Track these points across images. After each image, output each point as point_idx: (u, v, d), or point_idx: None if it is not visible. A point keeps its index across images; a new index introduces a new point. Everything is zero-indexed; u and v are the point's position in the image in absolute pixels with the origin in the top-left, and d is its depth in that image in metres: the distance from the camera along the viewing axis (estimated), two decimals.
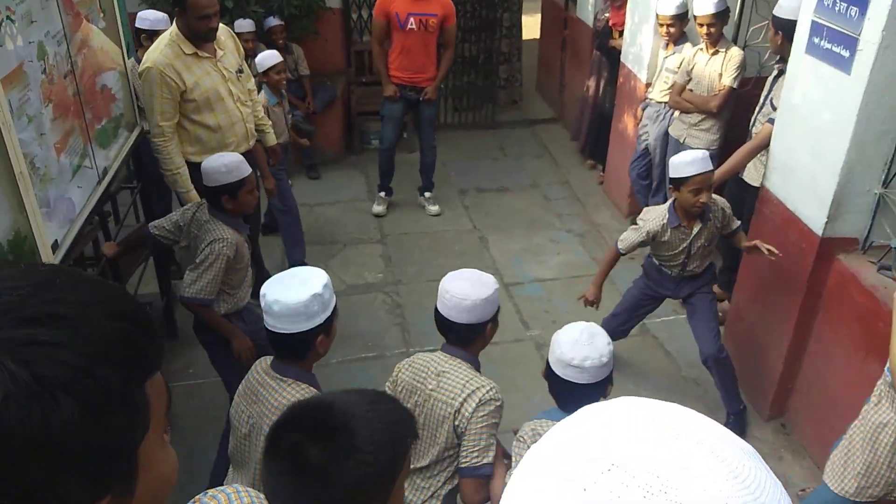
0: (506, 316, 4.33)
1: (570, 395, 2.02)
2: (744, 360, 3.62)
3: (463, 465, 2.12)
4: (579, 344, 1.99)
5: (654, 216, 3.26)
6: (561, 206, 5.62)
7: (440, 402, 2.13)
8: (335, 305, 2.10)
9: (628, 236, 3.30)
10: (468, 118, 7.04)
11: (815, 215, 3.04)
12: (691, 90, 4.25)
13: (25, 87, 2.33)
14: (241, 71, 3.51)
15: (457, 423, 2.11)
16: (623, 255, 3.38)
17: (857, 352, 2.91)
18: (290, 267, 4.58)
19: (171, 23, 3.47)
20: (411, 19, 4.84)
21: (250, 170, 2.91)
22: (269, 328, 2.02)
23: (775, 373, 3.39)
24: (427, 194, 5.55)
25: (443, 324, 2.21)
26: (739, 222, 3.36)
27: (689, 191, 3.04)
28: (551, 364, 2.05)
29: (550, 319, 4.28)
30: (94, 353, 0.51)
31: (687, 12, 4.31)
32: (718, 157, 4.30)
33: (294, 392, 2.00)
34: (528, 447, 1.97)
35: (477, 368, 2.22)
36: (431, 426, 2.17)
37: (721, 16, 4.01)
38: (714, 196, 3.19)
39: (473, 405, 2.08)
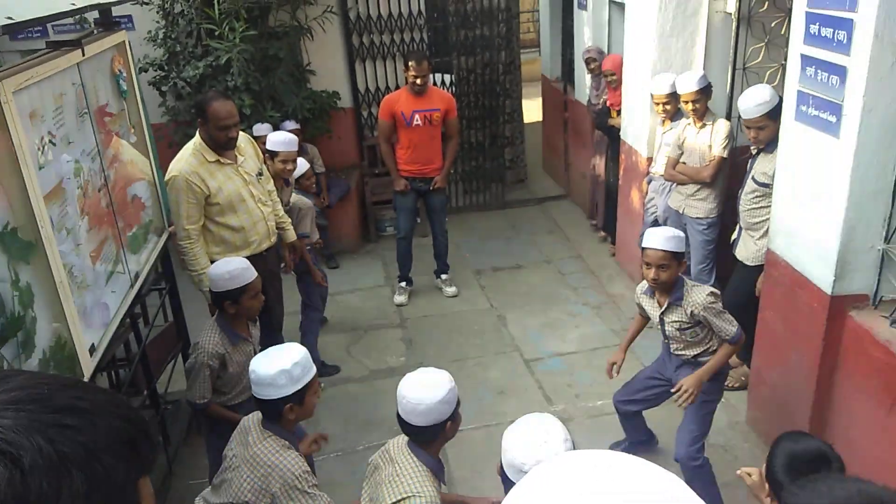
0: (528, 392, 4.39)
1: None
2: (770, 423, 3.60)
3: None
4: (531, 445, 1.85)
5: (639, 287, 3.31)
6: (576, 280, 5.71)
7: (385, 491, 2.21)
8: (310, 381, 2.38)
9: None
10: (479, 200, 7.25)
11: (822, 275, 3.11)
12: (684, 163, 4.41)
13: (64, 202, 2.52)
14: (260, 174, 3.72)
15: None
16: (642, 315, 3.39)
17: (879, 407, 2.91)
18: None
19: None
20: (416, 116, 5.11)
21: (255, 276, 3.06)
22: (253, 392, 2.38)
23: None
24: (443, 276, 5.68)
25: (403, 426, 2.27)
26: (734, 335, 3.07)
27: (643, 262, 3.06)
28: (503, 467, 1.89)
29: (573, 393, 4.30)
30: (106, 443, 0.60)
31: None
32: (718, 224, 4.43)
33: (270, 446, 2.32)
34: None
35: (435, 470, 2.26)
36: None
37: (704, 91, 4.21)
38: (695, 294, 3.04)
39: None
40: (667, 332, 3.21)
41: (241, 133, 3.65)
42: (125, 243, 3.08)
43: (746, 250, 3.94)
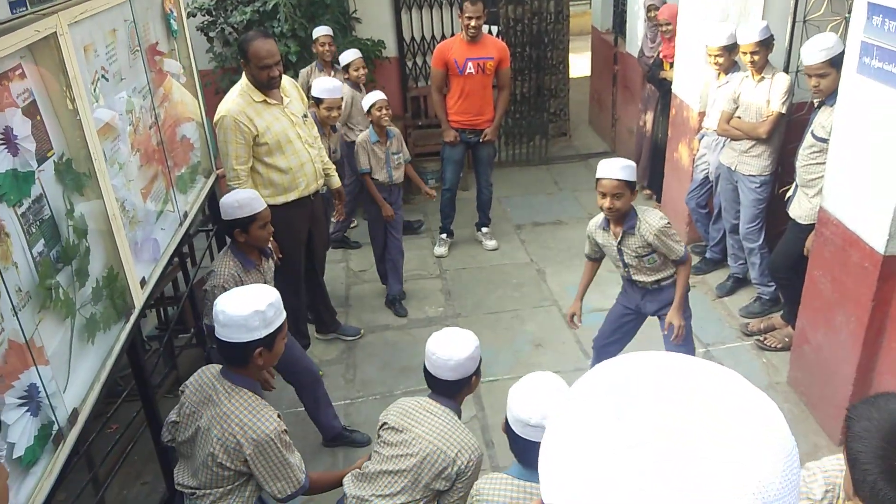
0: (566, 345, 4.40)
1: (532, 454, 1.85)
2: (812, 384, 3.55)
3: None
4: (536, 400, 1.88)
5: (592, 222, 3.38)
6: None
7: (435, 447, 2.25)
8: (281, 325, 2.27)
9: (586, 243, 3.48)
10: (521, 154, 7.17)
11: (875, 234, 3.01)
12: (739, 117, 4.27)
13: (116, 137, 2.57)
14: (305, 116, 3.74)
15: (448, 472, 2.23)
16: (590, 258, 3.53)
17: None
18: (386, 297, 4.82)
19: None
20: (469, 64, 5.03)
21: (263, 206, 3.12)
22: (217, 335, 2.21)
23: (845, 396, 3.31)
24: (484, 230, 5.67)
25: (430, 380, 2.37)
26: (682, 254, 3.19)
27: (598, 192, 3.11)
28: (509, 422, 1.93)
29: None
30: None
31: (735, 42, 4.35)
32: (772, 182, 4.30)
33: (243, 400, 2.21)
34: None
35: (459, 416, 2.38)
36: (416, 466, 2.26)
37: (765, 43, 4.04)
38: (649, 218, 3.12)
39: (465, 461, 2.23)
40: (626, 262, 3.28)
41: (285, 77, 3.67)
42: (174, 182, 3.14)
43: (800, 208, 3.82)
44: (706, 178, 4.78)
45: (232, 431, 2.15)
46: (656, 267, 3.25)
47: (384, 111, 4.48)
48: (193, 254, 3.94)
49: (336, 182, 4.12)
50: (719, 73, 4.55)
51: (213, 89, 5.64)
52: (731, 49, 4.35)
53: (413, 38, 6.54)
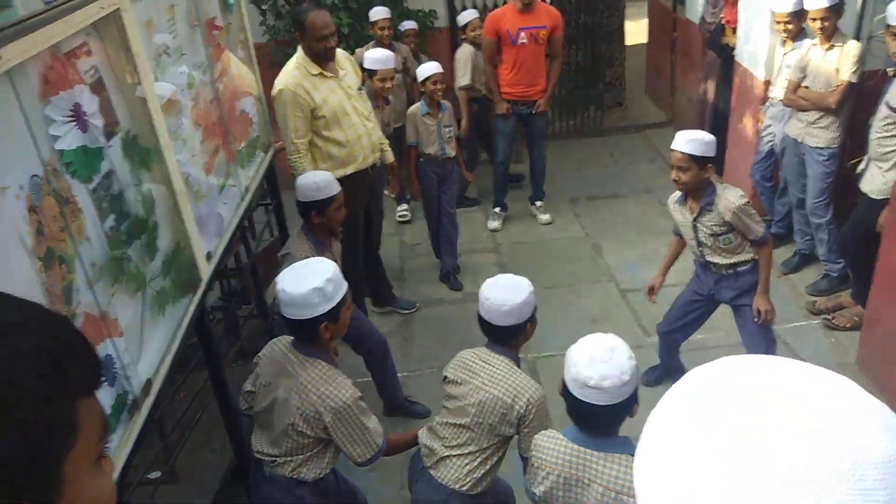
0: (624, 322, 4.32)
1: (589, 417, 1.88)
2: (881, 364, 3.41)
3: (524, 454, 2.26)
4: (596, 361, 1.83)
5: (673, 195, 3.26)
6: None
7: (491, 395, 2.27)
8: (343, 297, 2.28)
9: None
10: (575, 125, 7.03)
11: None
12: (807, 87, 4.08)
13: (178, 112, 2.59)
14: (360, 89, 3.72)
15: (509, 417, 2.26)
16: (674, 233, 3.41)
17: None
18: (441, 271, 4.83)
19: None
20: (522, 34, 4.92)
21: (339, 189, 3.15)
22: (282, 313, 2.25)
23: None
24: (538, 203, 5.60)
25: (485, 327, 2.37)
26: (762, 234, 3.07)
27: (671, 165, 3.04)
28: (567, 383, 1.90)
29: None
30: (19, 364, 0.55)
31: (803, 8, 4.14)
32: (840, 154, 4.11)
33: (319, 371, 2.25)
34: (540, 455, 1.97)
35: (517, 364, 2.38)
36: (475, 416, 2.29)
37: (835, 9, 3.83)
38: (728, 195, 3.00)
39: (524, 404, 2.23)
40: (700, 240, 3.16)
41: (339, 50, 3.65)
42: (235, 157, 3.16)
43: (872, 183, 3.65)
44: (771, 150, 4.61)
45: (311, 401, 2.21)
46: (732, 248, 3.12)
47: (438, 85, 4.43)
48: (253, 227, 3.99)
49: (390, 156, 4.10)
50: (786, 41, 4.35)
51: (267, 63, 5.66)
52: (799, 15, 4.14)
53: (465, 7, 6.44)
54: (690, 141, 2.96)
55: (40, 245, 1.67)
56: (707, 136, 3.00)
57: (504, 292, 2.31)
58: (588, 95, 6.94)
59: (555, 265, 4.99)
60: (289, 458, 2.31)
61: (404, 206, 5.65)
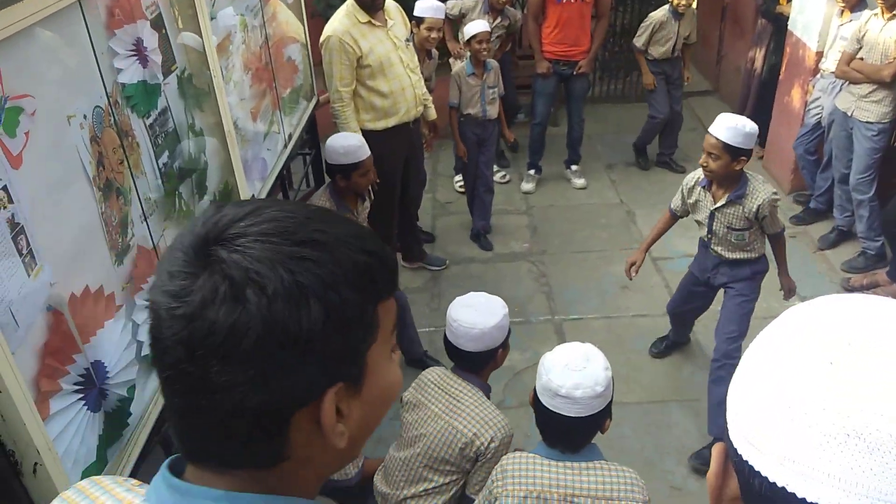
0: (654, 289, 4.32)
1: (558, 429, 1.76)
2: None
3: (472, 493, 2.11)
4: (570, 370, 1.73)
5: (693, 175, 3.16)
6: None
7: (450, 426, 2.09)
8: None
9: (677, 194, 3.26)
10: (617, 90, 6.92)
11: None
12: (862, 59, 3.96)
13: (230, 55, 2.61)
14: (408, 41, 3.70)
15: (467, 452, 2.08)
16: (673, 213, 3.30)
17: None
18: (471, 231, 4.86)
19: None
20: None
21: (367, 154, 3.12)
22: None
23: None
24: (573, 167, 5.55)
25: (451, 351, 2.17)
26: (781, 231, 3.03)
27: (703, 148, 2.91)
28: (537, 391, 1.79)
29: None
30: (342, 275, 0.65)
31: None
32: (890, 130, 4.01)
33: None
34: (499, 484, 1.78)
35: (487, 394, 2.19)
36: (435, 447, 2.11)
37: None
38: (761, 189, 2.90)
39: (487, 440, 2.05)
40: (712, 228, 3.07)
41: (390, 1, 3.62)
42: (281, 104, 3.18)
43: None
44: (818, 123, 4.51)
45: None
46: (740, 245, 3.04)
47: (484, 44, 4.30)
48: (290, 177, 4.02)
49: (432, 113, 4.08)
50: (843, 11, 4.22)
51: (310, 12, 5.63)
52: None
53: None
54: (730, 128, 2.79)
55: (100, 175, 1.72)
56: (748, 126, 2.83)
57: (474, 315, 2.09)
58: (630, 60, 6.80)
59: (587, 230, 4.97)
60: None
61: (461, 177, 5.49)
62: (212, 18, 2.42)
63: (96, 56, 1.70)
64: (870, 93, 3.96)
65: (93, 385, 1.60)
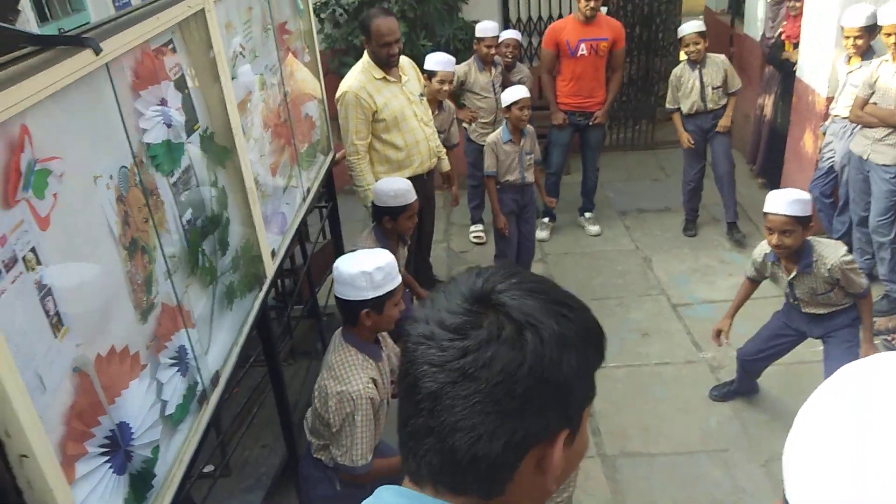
0: (675, 336, 4.27)
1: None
2: None
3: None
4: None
5: (761, 248, 3.17)
6: None
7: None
8: (392, 290, 2.28)
9: (749, 266, 3.29)
10: (626, 138, 6.98)
11: None
12: (875, 104, 3.98)
13: (251, 113, 2.65)
14: (422, 95, 3.76)
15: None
16: (753, 280, 3.33)
17: None
18: None
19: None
20: (582, 45, 4.91)
21: (415, 198, 3.21)
22: (335, 292, 2.32)
23: None
24: (587, 214, 5.56)
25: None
26: (865, 287, 2.98)
27: (766, 227, 2.93)
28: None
29: (725, 341, 4.13)
30: (586, 334, 0.76)
31: (876, 23, 4.06)
32: None
33: (346, 355, 2.27)
34: None
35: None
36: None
37: None
38: (828, 254, 2.92)
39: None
40: (797, 296, 3.08)
41: (403, 57, 3.70)
42: (298, 159, 3.22)
43: None
44: (832, 167, 4.51)
45: (326, 381, 2.24)
46: (831, 302, 3.04)
47: (525, 111, 4.10)
48: (307, 230, 4.03)
49: (446, 165, 4.12)
50: (851, 58, 4.26)
51: (324, 70, 5.75)
52: (871, 30, 4.06)
53: (519, 19, 6.46)
54: (793, 202, 2.84)
55: (126, 234, 1.72)
56: (804, 194, 2.91)
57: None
58: (640, 109, 6.89)
59: (604, 277, 4.95)
60: (313, 438, 2.38)
61: (479, 227, 5.49)
62: (233, 78, 2.46)
63: (122, 117, 1.72)
64: (885, 136, 3.97)
65: (118, 447, 1.57)
